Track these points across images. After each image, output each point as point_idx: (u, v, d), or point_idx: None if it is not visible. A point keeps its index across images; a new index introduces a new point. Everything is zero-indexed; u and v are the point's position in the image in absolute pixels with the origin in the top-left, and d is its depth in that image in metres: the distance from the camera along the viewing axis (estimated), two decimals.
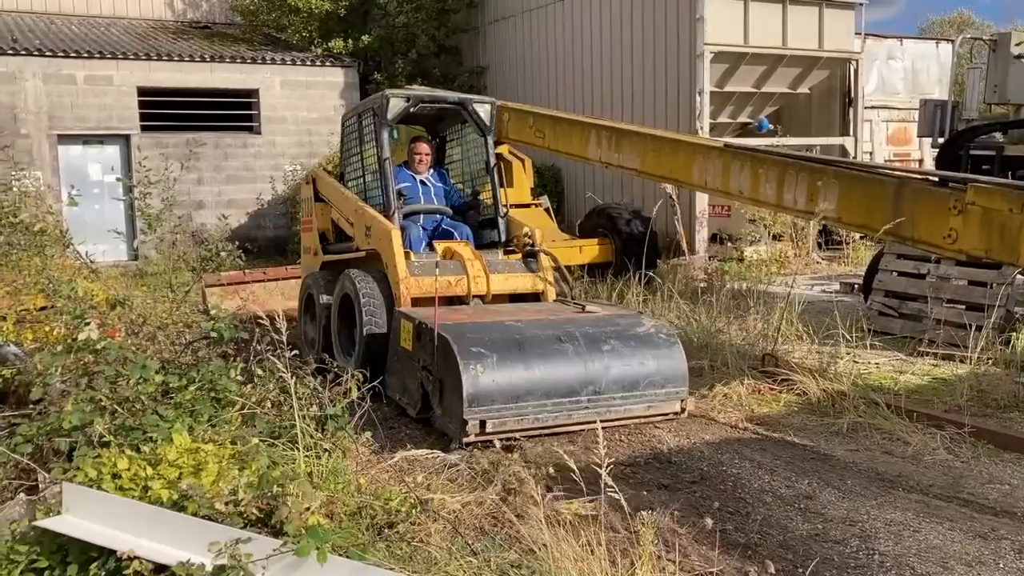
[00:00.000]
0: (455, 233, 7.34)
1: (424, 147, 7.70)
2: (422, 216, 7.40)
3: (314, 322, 7.86)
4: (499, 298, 6.86)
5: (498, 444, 5.31)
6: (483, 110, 7.48)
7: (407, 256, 6.70)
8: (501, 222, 7.41)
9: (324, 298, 7.47)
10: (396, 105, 7.15)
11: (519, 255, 7.17)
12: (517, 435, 5.35)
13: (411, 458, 5.14)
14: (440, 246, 7.06)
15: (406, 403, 5.92)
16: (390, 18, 19.52)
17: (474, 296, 6.68)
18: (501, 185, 7.68)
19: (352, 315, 6.84)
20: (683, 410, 5.93)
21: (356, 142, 7.78)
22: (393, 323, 6.26)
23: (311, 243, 8.53)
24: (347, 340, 7.09)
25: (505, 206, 7.56)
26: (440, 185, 7.74)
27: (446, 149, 8.32)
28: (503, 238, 7.36)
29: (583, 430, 5.62)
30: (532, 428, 5.39)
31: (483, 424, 5.21)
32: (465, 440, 5.22)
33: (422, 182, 7.60)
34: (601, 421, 5.40)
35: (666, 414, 5.89)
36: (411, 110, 7.29)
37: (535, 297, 7.03)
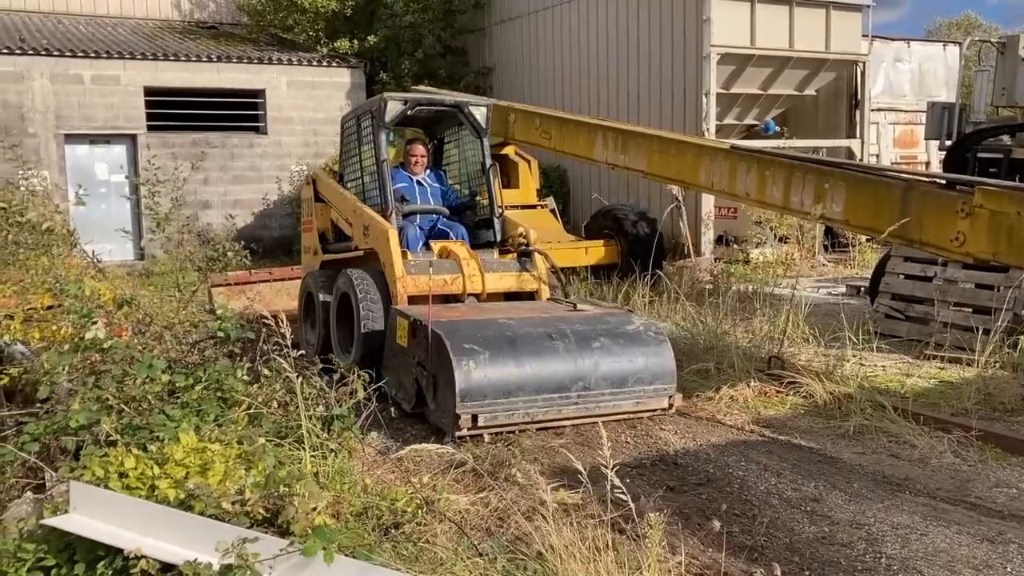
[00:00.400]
0: (451, 233, 7.45)
1: (419, 149, 7.83)
2: (418, 216, 7.50)
3: (314, 324, 7.95)
4: (494, 297, 6.98)
5: (487, 438, 5.40)
6: (479, 112, 7.62)
7: (404, 255, 6.83)
8: (496, 222, 7.53)
9: (323, 296, 7.57)
10: (394, 108, 7.28)
11: (514, 255, 7.30)
12: (508, 429, 5.45)
13: (420, 452, 5.17)
14: (436, 245, 7.20)
15: (401, 398, 6.01)
16: (396, 18, 19.52)
17: (469, 294, 6.80)
18: (498, 186, 7.78)
19: (351, 313, 6.95)
20: (671, 406, 6.04)
21: (355, 144, 7.92)
22: (389, 320, 6.37)
23: (311, 243, 8.68)
24: (346, 338, 7.18)
25: (501, 207, 7.66)
26: (436, 186, 7.85)
27: (444, 150, 8.42)
28: (498, 238, 7.48)
29: (573, 425, 5.74)
30: (523, 423, 5.51)
31: (475, 418, 5.33)
32: (457, 434, 5.34)
33: (418, 183, 7.72)
34: (590, 416, 5.62)
35: (654, 410, 6.02)
36: (409, 112, 7.41)
37: (529, 296, 7.14)
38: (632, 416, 5.97)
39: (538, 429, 5.59)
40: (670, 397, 6.01)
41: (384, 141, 7.29)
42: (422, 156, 7.80)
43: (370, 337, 6.56)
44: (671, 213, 13.50)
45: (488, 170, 7.62)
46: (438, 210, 7.64)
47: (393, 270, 6.64)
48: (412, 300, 6.56)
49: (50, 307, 5.99)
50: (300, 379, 4.57)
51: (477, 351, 5.42)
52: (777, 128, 15.64)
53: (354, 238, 7.54)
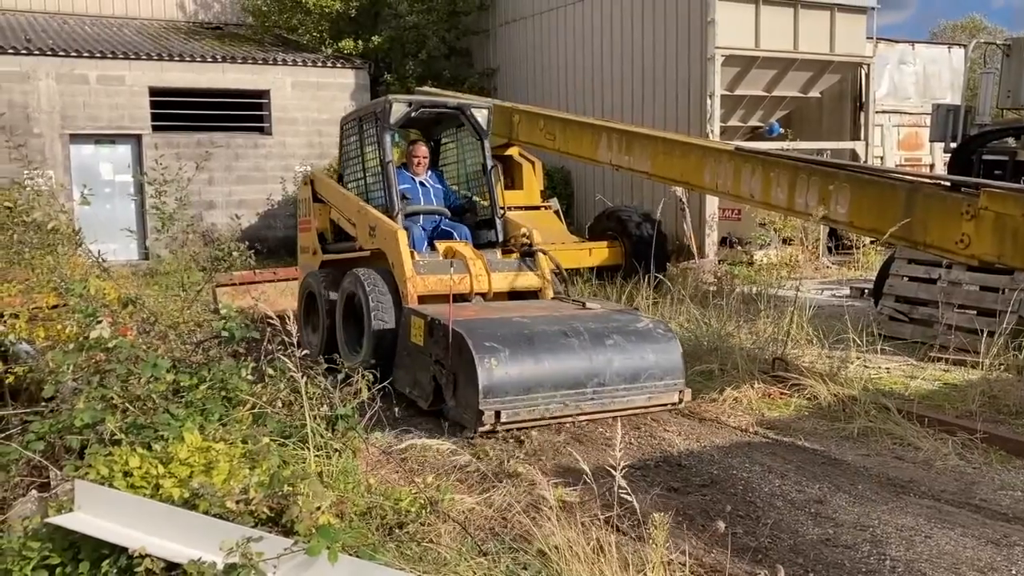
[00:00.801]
0: (454, 233, 7.51)
1: (422, 150, 7.91)
2: (421, 217, 7.56)
3: (315, 325, 7.99)
4: (499, 296, 7.05)
5: (500, 433, 5.46)
6: (480, 115, 7.70)
7: (411, 255, 6.86)
8: (498, 223, 7.59)
9: (331, 295, 7.61)
10: (398, 110, 7.36)
11: (515, 254, 7.36)
12: (528, 425, 5.53)
13: (424, 452, 5.18)
14: (441, 246, 7.25)
15: (416, 396, 6.06)
16: (400, 19, 19.53)
17: (476, 293, 6.85)
18: (500, 187, 7.85)
19: (357, 313, 7.00)
20: (681, 400, 6.11)
21: (357, 145, 7.99)
22: (402, 319, 6.41)
23: (309, 243, 8.73)
24: (352, 338, 7.23)
25: (502, 208, 7.71)
26: (438, 187, 7.93)
27: (440, 152, 8.47)
28: (500, 238, 7.54)
29: (589, 420, 5.82)
30: (543, 418, 5.60)
31: (498, 414, 5.39)
32: (481, 429, 5.39)
33: (421, 184, 7.79)
34: (605, 412, 5.77)
35: (665, 405, 6.11)
36: (412, 114, 7.49)
37: (533, 295, 7.21)
38: (644, 411, 6.05)
39: (546, 426, 5.66)
40: (680, 392, 6.09)
41: (389, 142, 7.36)
42: (424, 157, 7.88)
43: (381, 336, 6.61)
44: (675, 215, 13.50)
45: (490, 171, 7.68)
46: (440, 211, 7.71)
47: (403, 270, 6.70)
48: (421, 299, 6.61)
49: (55, 306, 5.99)
50: (304, 378, 4.57)
51: (498, 349, 5.50)
52: (781, 130, 15.62)
53: (358, 238, 7.57)
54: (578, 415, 5.76)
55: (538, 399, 5.54)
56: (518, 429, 5.54)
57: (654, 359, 6.00)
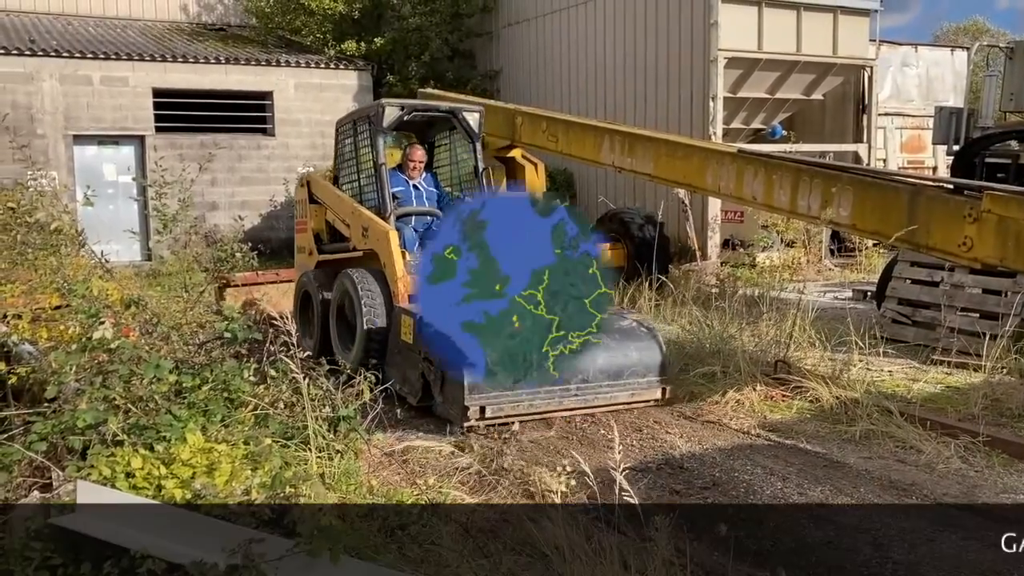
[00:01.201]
0: None
1: (419, 153, 7.99)
2: (413, 218, 7.65)
3: (310, 324, 8.05)
4: None
5: (481, 425, 5.59)
6: (472, 118, 7.86)
7: (402, 256, 6.98)
8: None
9: (324, 295, 7.70)
10: (391, 113, 7.50)
11: None
12: (513, 420, 5.68)
13: (426, 454, 5.19)
14: None
15: (406, 392, 6.17)
16: (403, 21, 19.55)
17: None
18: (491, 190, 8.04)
19: (349, 313, 7.11)
20: (663, 397, 6.27)
21: (351, 147, 8.10)
22: (393, 318, 6.57)
23: (305, 243, 8.88)
24: (345, 337, 7.33)
25: None
26: (432, 189, 8.02)
27: (434, 154, 8.56)
28: None
29: (572, 415, 6.01)
30: (526, 414, 5.77)
31: (483, 410, 5.54)
32: (466, 424, 5.55)
33: (415, 186, 7.87)
34: (588, 407, 6.00)
35: (647, 401, 6.27)
36: (405, 118, 7.61)
37: None
38: (627, 407, 6.17)
39: (544, 426, 5.73)
40: (663, 389, 6.24)
41: (382, 145, 7.50)
42: (420, 161, 7.96)
43: (372, 334, 6.71)
44: (677, 217, 13.49)
45: (481, 173, 7.84)
46: (432, 212, 7.81)
47: (394, 270, 6.79)
48: (412, 299, 6.67)
49: (58, 307, 6.00)
50: (306, 380, 4.58)
51: None
52: (784, 132, 15.60)
53: (352, 239, 7.67)
54: (561, 411, 5.92)
55: (522, 395, 5.68)
56: (501, 424, 5.67)
57: (637, 356, 6.17)
